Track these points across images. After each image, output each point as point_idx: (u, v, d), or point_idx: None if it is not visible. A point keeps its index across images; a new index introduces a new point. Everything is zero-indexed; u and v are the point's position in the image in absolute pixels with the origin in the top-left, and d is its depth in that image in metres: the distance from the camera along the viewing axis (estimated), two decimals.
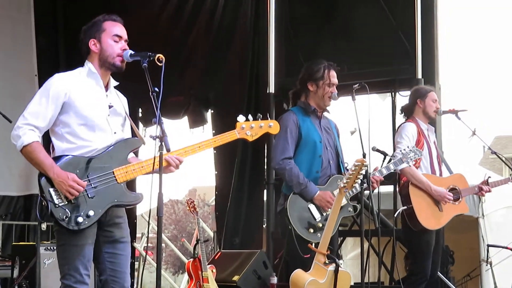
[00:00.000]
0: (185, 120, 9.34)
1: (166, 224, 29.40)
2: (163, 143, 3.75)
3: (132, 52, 4.04)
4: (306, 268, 4.98)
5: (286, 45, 8.65)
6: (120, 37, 4.09)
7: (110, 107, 4.06)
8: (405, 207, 5.92)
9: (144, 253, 10.86)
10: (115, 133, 4.04)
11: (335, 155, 5.41)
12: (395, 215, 6.47)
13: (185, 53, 9.35)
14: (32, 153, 3.83)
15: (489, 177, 6.22)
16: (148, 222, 4.36)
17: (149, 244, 5.45)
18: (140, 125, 9.57)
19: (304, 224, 5.06)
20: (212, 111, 9.24)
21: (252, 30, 8.89)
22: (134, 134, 4.24)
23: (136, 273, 9.83)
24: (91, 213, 3.84)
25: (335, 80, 5.40)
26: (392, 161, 5.62)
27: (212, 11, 9.20)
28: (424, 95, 6.14)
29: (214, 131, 9.05)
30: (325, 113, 5.54)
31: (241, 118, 4.24)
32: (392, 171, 5.60)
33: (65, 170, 3.82)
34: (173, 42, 9.32)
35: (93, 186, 3.86)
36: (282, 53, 8.57)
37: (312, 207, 5.14)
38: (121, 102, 4.17)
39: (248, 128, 4.23)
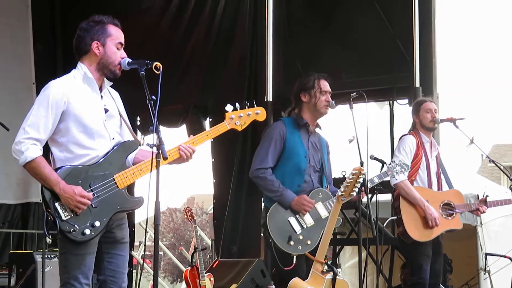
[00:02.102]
0: (183, 128, 9.34)
1: (164, 233, 29.36)
2: (160, 152, 3.74)
3: (130, 60, 4.02)
4: (288, 280, 4.95)
5: (284, 53, 8.67)
6: (122, 45, 4.06)
7: (106, 111, 4.02)
8: (395, 217, 5.93)
9: (141, 261, 10.84)
10: (113, 138, 4.01)
11: (319, 171, 5.37)
12: (384, 224, 6.47)
13: (184, 61, 9.36)
14: (37, 169, 3.80)
15: (487, 195, 6.20)
16: (146, 230, 4.37)
17: (147, 252, 5.43)
18: (138, 133, 9.56)
19: (284, 237, 5.02)
20: (211, 120, 9.23)
21: (250, 38, 8.90)
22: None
23: (133, 282, 9.80)
24: (97, 223, 3.83)
25: (327, 88, 5.37)
26: (377, 174, 5.60)
27: (210, 19, 9.21)
28: (417, 110, 6.15)
29: (212, 140, 9.04)
30: (317, 129, 5.51)
31: (229, 107, 4.25)
32: (376, 183, 5.55)
33: (67, 182, 3.80)
34: (171, 50, 9.33)
35: (96, 195, 3.84)
36: (280, 62, 8.59)
37: (292, 220, 5.11)
38: (114, 101, 4.14)
39: (237, 117, 4.26)
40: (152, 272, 11.73)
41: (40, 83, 8.95)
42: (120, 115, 4.14)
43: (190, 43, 9.35)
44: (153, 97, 3.77)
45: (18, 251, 8.28)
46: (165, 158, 3.75)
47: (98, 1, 9.05)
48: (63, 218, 3.77)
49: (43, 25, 9.79)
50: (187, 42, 9.35)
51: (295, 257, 5.01)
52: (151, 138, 3.76)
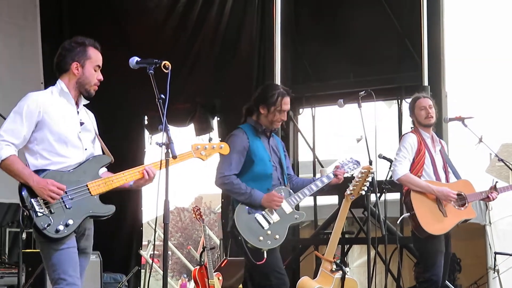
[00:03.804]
0: (191, 127, 9.35)
1: (172, 232, 29.43)
2: (169, 150, 3.78)
3: (138, 59, 4.08)
4: (262, 273, 5.01)
5: (291, 52, 8.67)
6: (99, 67, 4.21)
7: (81, 124, 4.17)
8: (408, 214, 5.91)
9: (150, 261, 10.85)
10: (86, 149, 4.15)
11: (281, 172, 5.41)
12: (398, 222, 6.45)
13: (192, 60, 9.37)
14: (11, 166, 3.95)
15: (497, 181, 6.19)
16: (155, 230, 4.40)
17: (155, 252, 5.47)
18: (146, 132, 9.59)
19: (253, 233, 5.08)
20: (218, 119, 9.24)
21: (258, 37, 8.90)
22: (103, 150, 4.31)
23: (142, 281, 9.82)
24: (70, 222, 3.95)
25: (287, 107, 5.35)
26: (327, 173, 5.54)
27: (218, 18, 9.22)
28: (412, 108, 6.14)
29: (220, 138, 9.05)
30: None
31: (195, 141, 4.40)
32: (326, 183, 5.47)
33: None
34: (179, 49, 9.35)
35: (70, 197, 3.97)
36: (287, 61, 8.58)
37: (259, 217, 5.15)
38: (90, 119, 4.29)
39: (202, 149, 4.41)
40: (161, 271, 11.73)
41: (49, 82, 8.93)
42: (96, 133, 4.28)
43: (197, 42, 9.36)
44: (162, 96, 3.81)
45: (27, 250, 8.29)
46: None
47: (106, 0, 9.07)
48: (39, 213, 3.90)
49: (51, 25, 9.81)
50: (195, 41, 9.37)
51: (265, 252, 5.03)
52: (159, 137, 3.80)
